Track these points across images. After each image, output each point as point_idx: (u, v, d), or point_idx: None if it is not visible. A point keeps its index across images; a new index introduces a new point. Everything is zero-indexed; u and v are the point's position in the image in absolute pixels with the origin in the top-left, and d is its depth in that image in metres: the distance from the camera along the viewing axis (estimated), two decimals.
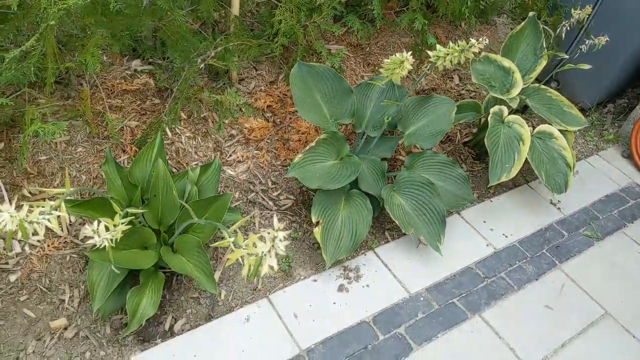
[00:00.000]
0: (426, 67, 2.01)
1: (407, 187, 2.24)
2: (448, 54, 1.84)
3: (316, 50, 2.63)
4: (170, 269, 1.95)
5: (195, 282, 2.02)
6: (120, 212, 1.44)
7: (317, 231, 2.08)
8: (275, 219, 1.22)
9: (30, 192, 2.07)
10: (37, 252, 1.96)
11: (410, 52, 1.85)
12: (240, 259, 1.21)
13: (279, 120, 2.62)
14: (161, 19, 2.19)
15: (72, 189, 1.38)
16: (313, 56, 2.73)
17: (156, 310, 1.76)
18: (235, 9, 2.38)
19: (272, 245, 1.14)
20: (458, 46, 1.82)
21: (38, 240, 1.98)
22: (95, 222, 1.27)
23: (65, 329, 1.82)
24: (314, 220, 2.09)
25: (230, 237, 1.28)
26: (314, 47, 2.61)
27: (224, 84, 2.58)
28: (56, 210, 1.21)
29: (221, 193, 2.08)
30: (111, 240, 1.26)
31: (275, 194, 2.39)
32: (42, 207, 1.19)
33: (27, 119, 1.76)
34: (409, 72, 2.97)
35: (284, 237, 1.17)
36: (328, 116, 2.27)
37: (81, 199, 1.87)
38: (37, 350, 1.75)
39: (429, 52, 1.89)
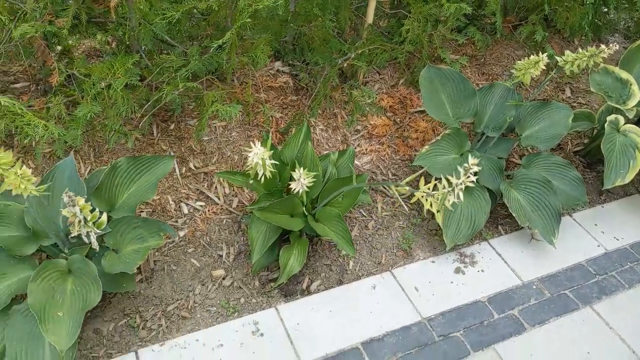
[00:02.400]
0: (553, 73, 2.19)
1: (524, 184, 2.41)
2: (577, 59, 2.02)
3: (439, 57, 2.87)
4: (309, 236, 2.25)
5: (328, 250, 2.31)
6: (278, 180, 1.77)
7: (438, 216, 2.30)
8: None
9: (194, 166, 2.47)
10: (200, 215, 2.33)
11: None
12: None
13: (399, 119, 2.88)
14: (309, 24, 2.53)
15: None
16: (434, 63, 2.97)
17: (301, 267, 2.06)
18: (370, 18, 2.69)
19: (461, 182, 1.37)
20: (587, 51, 1.99)
21: (200, 205, 2.36)
22: (298, 171, 1.57)
23: (223, 278, 2.16)
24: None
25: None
26: (436, 54, 2.85)
27: (351, 85, 2.88)
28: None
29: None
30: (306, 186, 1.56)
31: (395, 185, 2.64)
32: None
33: (207, 101, 2.14)
34: (522, 83, 3.13)
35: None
36: (451, 115, 2.50)
37: (246, 170, 2.23)
38: (202, 292, 2.10)
39: (557, 58, 2.08)
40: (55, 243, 1.87)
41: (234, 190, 2.45)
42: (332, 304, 2.12)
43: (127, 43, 2.37)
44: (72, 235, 1.58)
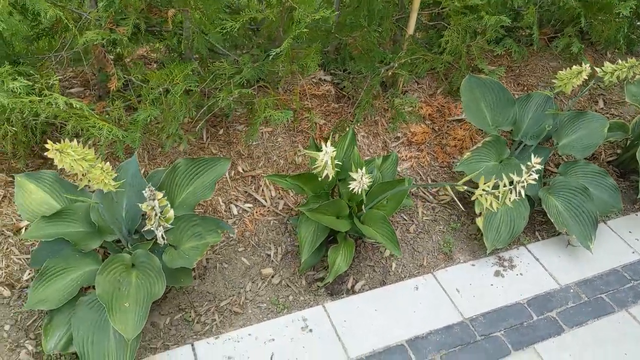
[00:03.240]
0: (592, 83, 2.26)
1: (561, 191, 2.47)
2: (616, 70, 2.09)
3: (476, 68, 2.95)
4: (353, 238, 2.33)
5: (371, 252, 2.39)
6: (324, 183, 1.87)
7: (479, 220, 2.38)
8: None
9: (242, 169, 2.57)
10: (248, 216, 2.43)
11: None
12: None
13: (437, 127, 2.96)
14: (352, 34, 2.64)
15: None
16: (472, 73, 3.05)
17: (348, 267, 2.15)
18: (411, 29, 2.78)
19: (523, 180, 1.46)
20: (627, 63, 2.06)
21: (249, 207, 2.46)
22: (359, 171, 1.67)
23: (272, 277, 2.26)
24: (477, 211, 2.39)
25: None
26: (474, 64, 2.93)
27: (392, 94, 2.98)
28: None
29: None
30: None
31: (434, 190, 2.72)
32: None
33: (260, 107, 2.25)
34: (557, 93, 3.20)
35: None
36: (490, 123, 2.57)
37: (294, 174, 2.33)
38: (252, 289, 2.20)
39: (597, 69, 2.15)
40: (117, 239, 1.98)
41: (279, 193, 2.55)
42: (376, 303, 2.20)
43: (180, 51, 2.50)
44: (145, 229, 1.69)
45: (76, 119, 2.06)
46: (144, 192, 1.53)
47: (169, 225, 1.70)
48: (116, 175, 1.69)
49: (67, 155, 1.37)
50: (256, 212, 2.45)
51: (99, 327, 1.78)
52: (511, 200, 1.47)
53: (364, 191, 1.98)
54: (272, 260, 2.31)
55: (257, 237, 2.38)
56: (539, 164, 1.51)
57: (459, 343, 2.09)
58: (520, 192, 1.47)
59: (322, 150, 2.21)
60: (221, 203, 2.42)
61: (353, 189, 1.86)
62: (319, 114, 2.81)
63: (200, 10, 2.19)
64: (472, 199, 1.60)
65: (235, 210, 2.43)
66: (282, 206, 2.51)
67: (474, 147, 2.44)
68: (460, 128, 2.94)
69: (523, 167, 1.50)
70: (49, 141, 1.40)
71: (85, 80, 2.81)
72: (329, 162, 1.74)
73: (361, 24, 2.46)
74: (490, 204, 1.52)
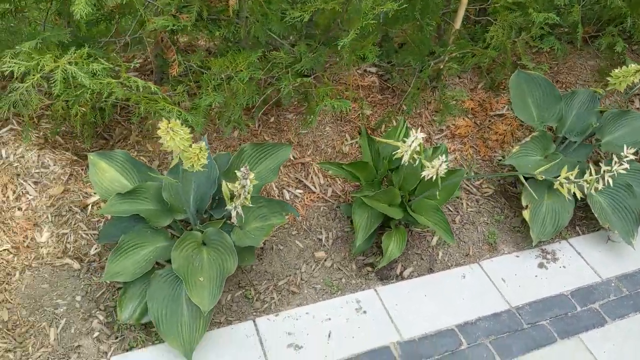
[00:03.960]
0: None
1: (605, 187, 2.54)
2: None
3: (518, 63, 3.01)
4: (405, 226, 2.41)
5: (418, 241, 2.47)
6: (376, 172, 1.94)
7: (525, 213, 2.45)
8: None
9: (293, 157, 2.65)
10: (300, 202, 2.51)
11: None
12: None
13: (479, 121, 3.02)
14: (402, 26, 2.70)
15: None
16: (515, 69, 3.11)
17: (400, 253, 2.23)
18: (457, 24, 2.84)
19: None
20: None
21: (299, 192, 2.54)
22: (439, 159, 1.74)
23: (325, 260, 2.34)
24: (523, 204, 2.46)
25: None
26: (517, 61, 2.99)
27: (434, 87, 3.04)
28: None
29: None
30: None
31: (478, 182, 2.79)
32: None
33: (318, 96, 2.32)
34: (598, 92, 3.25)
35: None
36: (535, 118, 2.64)
37: (348, 162, 2.41)
38: (307, 271, 2.28)
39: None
40: (183, 219, 2.07)
41: (327, 180, 2.62)
42: (425, 288, 2.28)
43: (236, 40, 2.56)
44: (226, 207, 1.78)
45: (146, 101, 2.14)
46: (237, 171, 1.61)
47: (249, 204, 1.78)
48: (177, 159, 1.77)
49: (177, 134, 1.45)
50: (307, 197, 2.53)
51: (173, 299, 1.87)
52: (599, 188, 1.55)
53: (439, 178, 2.02)
54: (324, 245, 2.39)
55: (308, 222, 2.46)
56: (632, 154, 1.58)
57: (506, 330, 2.17)
58: (608, 182, 1.54)
59: (394, 138, 2.30)
60: (274, 188, 2.50)
61: (424, 176, 1.94)
62: (365, 104, 2.88)
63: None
64: (554, 186, 1.67)
65: (287, 196, 2.51)
66: (331, 193, 2.58)
67: (522, 141, 2.51)
68: (502, 123, 3.01)
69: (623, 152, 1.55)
70: (163, 119, 1.48)
71: (141, 66, 2.89)
72: (418, 148, 1.82)
73: (414, 16, 2.52)
74: (572, 193, 1.58)
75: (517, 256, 2.48)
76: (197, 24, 2.50)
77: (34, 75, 1.90)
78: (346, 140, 2.76)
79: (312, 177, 2.61)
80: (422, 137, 1.87)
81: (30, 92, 1.91)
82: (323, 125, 2.77)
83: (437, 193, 2.30)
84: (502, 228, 2.60)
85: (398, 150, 1.95)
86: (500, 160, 2.87)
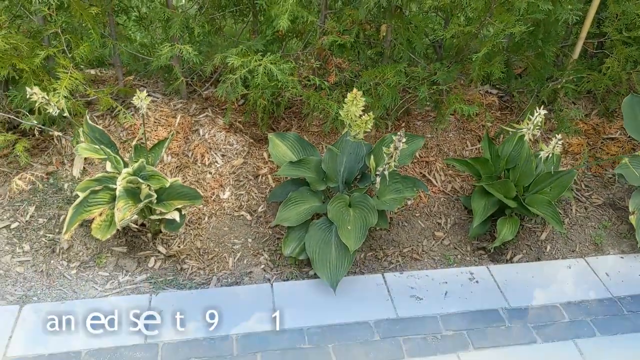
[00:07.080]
0: None
1: None
2: None
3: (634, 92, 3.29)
4: (518, 217, 2.77)
5: (527, 234, 2.80)
6: (494, 169, 2.34)
7: (632, 218, 2.70)
8: None
9: (419, 155, 3.13)
10: (422, 192, 2.96)
11: None
12: None
13: (592, 142, 3.31)
14: (525, 53, 3.12)
15: None
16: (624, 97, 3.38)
17: (512, 237, 2.59)
18: (576, 54, 3.20)
19: None
20: None
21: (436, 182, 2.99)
22: (556, 136, 2.13)
23: (443, 239, 2.76)
24: (630, 209, 2.72)
25: None
26: (633, 91, 3.27)
27: (550, 109, 3.39)
28: None
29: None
30: None
31: (587, 194, 3.06)
32: None
33: (449, 102, 2.80)
34: None
35: None
36: None
37: (473, 157, 2.85)
38: (427, 245, 2.71)
39: None
40: (333, 187, 2.61)
41: (448, 177, 3.06)
42: (533, 271, 2.61)
43: (379, 58, 3.14)
44: (372, 178, 2.30)
45: (315, 98, 2.76)
46: (394, 136, 2.12)
47: (394, 167, 2.27)
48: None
49: (358, 103, 2.02)
50: (429, 189, 2.98)
51: (325, 242, 2.39)
52: None
53: (533, 177, 2.39)
54: (443, 227, 2.81)
55: (429, 208, 2.90)
56: None
57: (607, 313, 2.42)
58: None
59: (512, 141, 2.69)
60: None
61: (539, 171, 2.32)
62: (488, 115, 3.30)
63: (412, 24, 2.82)
64: None
65: None
66: (450, 188, 3.01)
67: (632, 155, 2.79)
68: (614, 145, 3.27)
69: None
70: (354, 89, 2.04)
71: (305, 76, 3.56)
72: (535, 123, 2.22)
73: (537, 44, 2.94)
74: None
75: (622, 257, 2.72)
76: (354, 44, 3.13)
77: (240, 70, 2.59)
78: (467, 146, 3.19)
79: (434, 174, 3.06)
80: (544, 113, 2.23)
81: (237, 82, 2.60)
82: (447, 132, 3.23)
83: (549, 190, 2.65)
84: (609, 233, 2.85)
85: (522, 129, 2.31)
86: (610, 177, 3.12)
